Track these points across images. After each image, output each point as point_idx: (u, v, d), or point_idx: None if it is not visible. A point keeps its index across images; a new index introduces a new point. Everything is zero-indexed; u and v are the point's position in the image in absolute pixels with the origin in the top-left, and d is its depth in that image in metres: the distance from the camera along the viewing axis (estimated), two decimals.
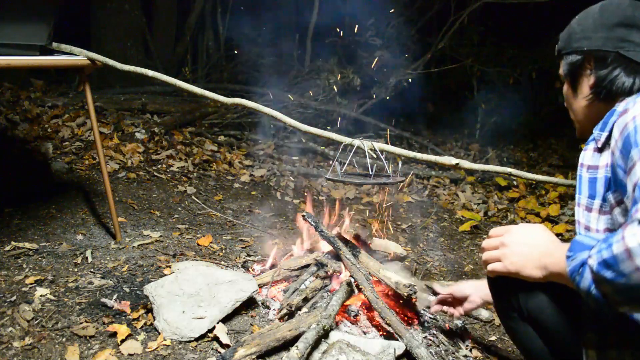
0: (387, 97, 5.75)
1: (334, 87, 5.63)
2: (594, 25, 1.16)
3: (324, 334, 1.66)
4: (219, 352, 1.62)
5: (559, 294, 1.20)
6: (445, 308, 1.84)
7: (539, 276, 1.02)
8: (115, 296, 1.87)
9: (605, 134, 1.10)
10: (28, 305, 1.72)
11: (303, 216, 2.14)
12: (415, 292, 1.84)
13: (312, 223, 2.10)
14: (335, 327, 1.78)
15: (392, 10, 5.73)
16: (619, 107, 1.08)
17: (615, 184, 1.04)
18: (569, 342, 1.20)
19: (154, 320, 1.73)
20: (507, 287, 1.28)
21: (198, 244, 2.51)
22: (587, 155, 1.16)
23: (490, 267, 1.12)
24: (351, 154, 1.99)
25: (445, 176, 4.71)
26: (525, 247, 1.05)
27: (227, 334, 1.70)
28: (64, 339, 1.60)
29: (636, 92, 1.10)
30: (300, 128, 2.06)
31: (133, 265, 2.15)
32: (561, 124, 6.00)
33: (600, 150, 1.11)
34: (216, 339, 1.68)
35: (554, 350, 1.27)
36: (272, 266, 2.29)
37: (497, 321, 2.19)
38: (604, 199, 1.09)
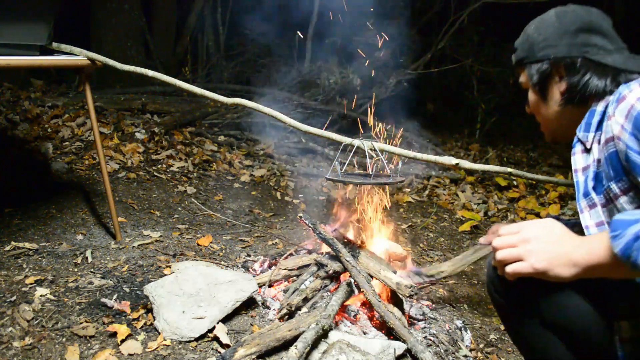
0: (387, 97, 5.75)
1: (334, 87, 5.63)
2: (556, 33, 1.19)
3: (324, 334, 1.66)
4: (219, 352, 1.62)
5: (580, 287, 1.12)
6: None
7: (567, 275, 0.92)
8: (115, 296, 1.87)
9: (591, 134, 1.12)
10: (28, 305, 1.72)
11: (300, 217, 2.12)
12: (417, 293, 1.84)
13: (310, 225, 2.09)
14: (335, 327, 1.78)
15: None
16: (599, 106, 1.12)
17: (618, 173, 1.03)
18: (601, 337, 1.12)
19: (154, 320, 1.73)
20: (525, 291, 1.17)
21: (198, 244, 2.51)
22: (577, 160, 1.18)
23: (511, 268, 0.98)
24: (351, 154, 1.99)
25: (445, 176, 4.71)
26: (549, 243, 0.95)
27: (227, 334, 1.70)
28: (64, 339, 1.60)
29: (609, 93, 1.12)
30: (300, 128, 2.06)
31: (133, 265, 2.15)
32: None
33: (588, 150, 1.14)
34: (216, 339, 1.68)
35: (582, 352, 1.17)
36: (272, 266, 2.29)
37: (497, 321, 2.20)
38: (600, 192, 1.10)
